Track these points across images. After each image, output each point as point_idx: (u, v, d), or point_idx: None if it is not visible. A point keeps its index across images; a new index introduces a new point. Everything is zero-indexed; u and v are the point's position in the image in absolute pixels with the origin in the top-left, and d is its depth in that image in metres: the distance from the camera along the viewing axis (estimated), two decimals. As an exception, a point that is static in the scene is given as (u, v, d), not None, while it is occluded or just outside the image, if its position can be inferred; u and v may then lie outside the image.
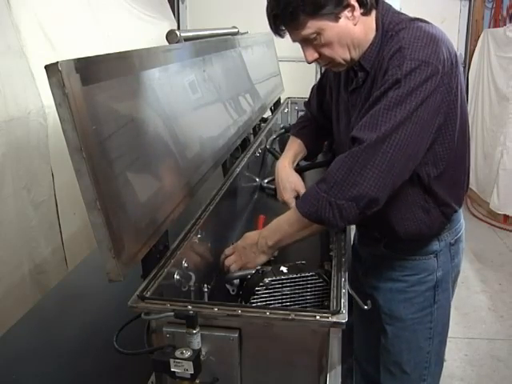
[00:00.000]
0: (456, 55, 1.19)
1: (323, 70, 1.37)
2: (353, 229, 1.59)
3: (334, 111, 1.45)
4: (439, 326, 1.43)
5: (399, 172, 1.13)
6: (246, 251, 1.29)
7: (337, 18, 1.15)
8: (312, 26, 1.15)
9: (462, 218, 1.45)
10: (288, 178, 1.51)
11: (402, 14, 1.25)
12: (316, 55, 1.22)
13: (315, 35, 1.17)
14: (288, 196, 1.49)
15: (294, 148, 1.59)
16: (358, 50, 1.22)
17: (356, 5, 1.16)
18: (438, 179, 1.27)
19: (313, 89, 1.67)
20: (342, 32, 1.17)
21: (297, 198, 1.47)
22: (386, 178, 1.11)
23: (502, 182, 4.22)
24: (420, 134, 1.13)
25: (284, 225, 1.26)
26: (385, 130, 1.10)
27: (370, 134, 1.11)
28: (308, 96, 1.70)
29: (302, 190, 1.48)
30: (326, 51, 1.20)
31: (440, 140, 1.22)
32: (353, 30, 1.18)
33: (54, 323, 1.42)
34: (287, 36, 1.23)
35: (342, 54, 1.21)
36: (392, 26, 1.20)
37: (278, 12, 1.16)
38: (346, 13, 1.16)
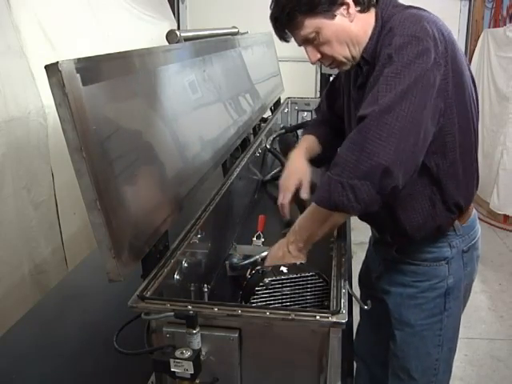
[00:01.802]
0: (454, 42, 1.19)
1: (323, 70, 1.37)
2: (363, 230, 1.58)
3: (345, 111, 1.44)
4: (449, 333, 1.41)
5: (411, 145, 1.09)
6: (282, 263, 1.25)
7: (332, 16, 1.18)
8: (309, 26, 1.18)
9: (478, 226, 1.42)
10: (297, 166, 1.46)
11: (401, 5, 1.26)
12: (318, 55, 1.24)
13: (314, 34, 1.19)
14: (291, 182, 1.42)
15: (308, 141, 1.55)
16: (357, 47, 1.23)
17: (351, 2, 1.18)
18: (447, 171, 1.25)
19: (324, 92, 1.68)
20: (338, 30, 1.19)
21: (297, 190, 1.41)
22: (398, 149, 1.06)
23: (501, 182, 4.22)
24: (423, 109, 1.10)
25: (308, 223, 1.23)
26: (386, 100, 1.07)
27: (371, 107, 1.09)
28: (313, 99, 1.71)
29: (306, 182, 1.43)
30: (326, 50, 1.22)
31: (447, 129, 1.20)
32: (349, 27, 1.20)
33: (54, 323, 1.42)
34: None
35: (341, 52, 1.23)
36: (389, 17, 1.22)
37: (277, 15, 1.21)
38: (342, 10, 1.18)
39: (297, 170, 1.45)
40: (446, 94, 1.17)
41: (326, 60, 1.26)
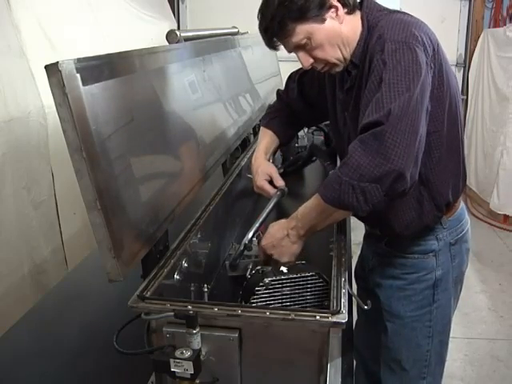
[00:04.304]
0: (439, 45, 1.22)
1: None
2: (363, 230, 1.59)
3: (330, 112, 1.47)
4: (439, 325, 1.43)
5: (417, 149, 1.11)
6: (278, 246, 1.28)
7: (323, 20, 1.20)
8: (301, 32, 1.20)
9: (466, 219, 1.45)
10: (260, 166, 1.55)
11: (386, 9, 1.29)
12: (311, 60, 1.26)
13: (306, 40, 1.22)
14: (260, 180, 1.52)
15: (266, 140, 1.62)
16: (348, 48, 1.25)
17: (339, 5, 1.21)
18: (435, 169, 1.29)
19: (291, 77, 1.70)
20: (329, 33, 1.22)
21: (270, 182, 1.52)
22: (409, 154, 1.09)
23: (502, 182, 4.22)
24: (423, 113, 1.14)
25: (312, 213, 1.25)
26: (397, 107, 1.09)
27: (380, 113, 1.10)
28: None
29: (274, 173, 1.53)
30: (319, 54, 1.24)
31: (432, 127, 1.23)
32: (340, 29, 1.23)
33: (54, 323, 1.42)
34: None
35: (333, 54, 1.25)
36: (375, 21, 1.24)
37: (267, 25, 1.23)
38: (331, 14, 1.21)
39: (262, 169, 1.54)
40: (432, 95, 1.20)
41: (319, 64, 1.28)
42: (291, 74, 1.69)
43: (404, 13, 1.27)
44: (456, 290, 1.48)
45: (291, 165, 2.38)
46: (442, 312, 1.43)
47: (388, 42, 1.14)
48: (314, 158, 2.30)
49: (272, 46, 1.29)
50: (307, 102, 1.61)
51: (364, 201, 1.10)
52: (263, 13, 1.23)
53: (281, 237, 1.28)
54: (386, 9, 1.29)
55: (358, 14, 1.26)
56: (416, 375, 1.47)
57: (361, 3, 1.28)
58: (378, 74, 1.14)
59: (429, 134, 1.23)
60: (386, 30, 1.18)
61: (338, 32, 1.22)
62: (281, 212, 2.00)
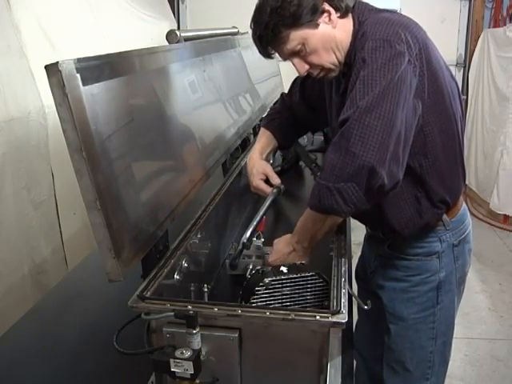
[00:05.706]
0: (428, 44, 1.22)
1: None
2: (363, 230, 1.59)
3: (328, 115, 1.47)
4: (442, 326, 1.43)
5: (393, 145, 1.09)
6: (286, 261, 1.29)
7: (316, 25, 1.20)
8: (295, 38, 1.20)
9: (468, 219, 1.45)
10: (254, 165, 1.55)
11: (376, 9, 1.29)
12: (306, 66, 1.26)
13: (300, 46, 1.22)
14: (255, 180, 1.53)
15: (262, 141, 1.63)
16: (342, 51, 1.25)
17: (331, 9, 1.21)
18: (430, 169, 1.28)
19: (295, 81, 1.69)
20: (323, 37, 1.22)
21: (266, 181, 1.53)
22: (380, 149, 1.07)
23: (502, 182, 4.22)
24: (401, 109, 1.11)
25: (308, 224, 1.27)
26: (365, 102, 1.09)
27: (351, 110, 1.11)
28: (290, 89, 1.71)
29: (270, 172, 1.54)
30: (314, 59, 1.24)
31: (426, 129, 1.23)
32: (333, 33, 1.23)
33: (54, 323, 1.42)
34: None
35: (328, 59, 1.25)
36: (363, 21, 1.24)
37: (261, 33, 1.22)
38: (324, 18, 1.21)
39: (257, 168, 1.55)
40: (422, 95, 1.19)
41: (315, 69, 1.28)
42: (295, 78, 1.69)
43: (394, 12, 1.27)
44: (459, 290, 1.48)
45: (287, 162, 2.39)
46: (446, 313, 1.43)
47: (369, 40, 1.15)
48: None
49: (267, 54, 1.28)
50: (309, 105, 1.62)
51: (343, 201, 1.10)
52: (256, 21, 1.23)
53: (288, 252, 1.31)
54: (377, 9, 1.29)
55: (350, 17, 1.26)
56: (420, 376, 1.47)
57: (353, 6, 1.28)
58: (358, 71, 1.14)
59: (424, 135, 1.24)
60: (369, 28, 1.18)
61: (331, 36, 1.23)
62: (279, 210, 2.01)
